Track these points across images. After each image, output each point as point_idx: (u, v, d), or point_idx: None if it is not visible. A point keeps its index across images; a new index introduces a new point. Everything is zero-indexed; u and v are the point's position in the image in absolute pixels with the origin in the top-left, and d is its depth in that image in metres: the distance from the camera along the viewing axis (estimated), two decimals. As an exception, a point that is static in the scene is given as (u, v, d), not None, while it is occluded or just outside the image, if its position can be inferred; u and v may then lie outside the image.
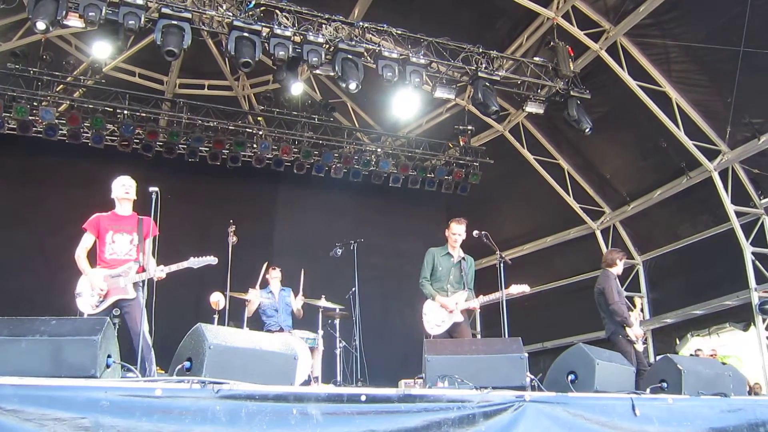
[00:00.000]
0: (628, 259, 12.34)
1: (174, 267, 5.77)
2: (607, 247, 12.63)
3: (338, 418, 3.71)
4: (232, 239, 7.89)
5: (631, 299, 8.59)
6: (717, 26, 8.87)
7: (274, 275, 8.90)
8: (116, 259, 5.75)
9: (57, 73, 10.67)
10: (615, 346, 7.11)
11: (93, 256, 5.84)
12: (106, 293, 5.59)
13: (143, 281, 5.69)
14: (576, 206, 12.80)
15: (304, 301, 8.67)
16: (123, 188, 5.92)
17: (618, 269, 7.58)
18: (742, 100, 9.24)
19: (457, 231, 7.24)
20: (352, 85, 8.69)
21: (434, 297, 7.15)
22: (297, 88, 11.36)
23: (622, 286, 12.12)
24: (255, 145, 11.85)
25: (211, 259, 6.00)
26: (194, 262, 5.84)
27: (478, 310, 7.68)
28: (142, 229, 5.81)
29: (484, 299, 7.16)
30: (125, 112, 10.97)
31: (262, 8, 8.64)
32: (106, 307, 5.60)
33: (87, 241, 5.82)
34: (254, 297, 8.42)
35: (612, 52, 10.14)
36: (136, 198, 6.02)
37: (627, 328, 7.12)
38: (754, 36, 8.47)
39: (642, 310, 7.54)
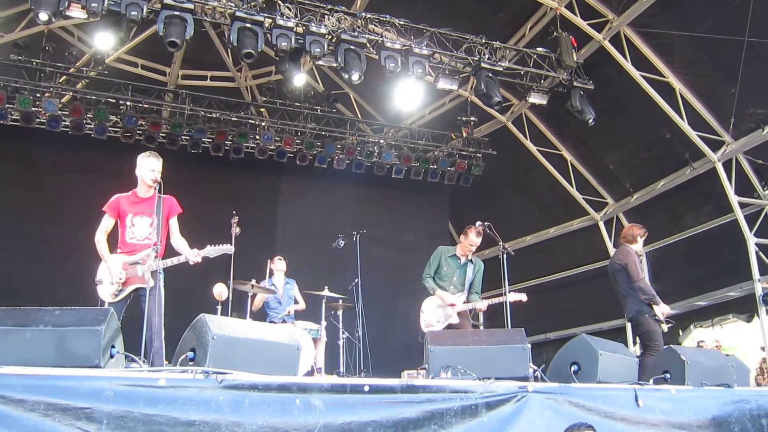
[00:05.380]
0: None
1: (186, 256, 5.50)
2: (610, 239, 12.59)
3: (341, 408, 3.72)
4: (235, 230, 7.87)
5: None
6: (721, 16, 8.80)
7: (279, 266, 8.91)
8: (136, 243, 5.56)
9: (60, 65, 10.70)
10: (640, 327, 6.58)
11: (113, 237, 5.65)
12: (125, 282, 5.44)
13: (161, 268, 5.40)
14: (579, 197, 12.76)
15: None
16: (152, 173, 5.55)
17: (638, 246, 6.98)
18: (747, 90, 9.18)
19: (474, 243, 7.24)
20: (355, 76, 8.67)
21: (435, 291, 7.25)
22: (299, 79, 11.37)
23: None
24: (258, 137, 11.86)
25: (228, 248, 5.64)
26: (210, 251, 5.58)
27: (484, 310, 7.59)
28: (161, 210, 5.52)
29: (489, 302, 7.19)
30: (128, 103, 11.00)
31: (265, -1, 8.62)
32: (124, 296, 5.46)
33: (107, 223, 5.60)
34: (259, 293, 8.48)
35: (615, 42, 10.08)
36: None
37: (654, 307, 6.49)
38: (758, 25, 8.40)
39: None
